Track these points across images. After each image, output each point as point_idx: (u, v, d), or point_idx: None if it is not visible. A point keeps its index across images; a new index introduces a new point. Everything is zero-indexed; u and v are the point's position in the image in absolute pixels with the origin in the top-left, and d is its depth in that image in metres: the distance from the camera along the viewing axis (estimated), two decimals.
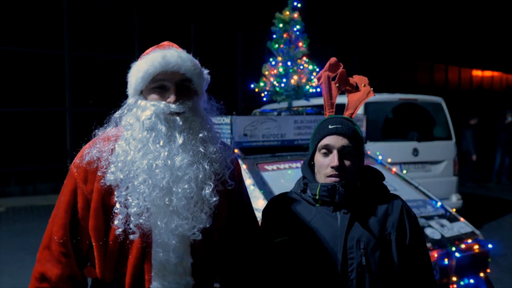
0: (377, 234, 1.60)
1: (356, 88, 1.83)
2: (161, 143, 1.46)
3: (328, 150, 1.63)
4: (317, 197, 1.63)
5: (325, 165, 1.63)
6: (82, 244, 1.51)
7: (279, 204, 1.75)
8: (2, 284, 5.05)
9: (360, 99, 1.80)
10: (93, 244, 1.49)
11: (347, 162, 1.62)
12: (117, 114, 1.57)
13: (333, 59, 1.81)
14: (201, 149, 1.49)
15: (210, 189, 1.48)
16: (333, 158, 1.60)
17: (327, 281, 1.57)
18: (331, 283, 1.56)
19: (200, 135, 1.50)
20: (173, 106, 1.47)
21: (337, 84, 1.81)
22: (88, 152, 1.52)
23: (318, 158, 1.66)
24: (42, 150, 10.68)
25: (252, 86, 4.64)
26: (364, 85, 1.81)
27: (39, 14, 10.39)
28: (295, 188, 1.78)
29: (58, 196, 1.57)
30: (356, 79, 1.84)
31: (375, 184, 1.71)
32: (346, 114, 1.79)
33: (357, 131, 1.68)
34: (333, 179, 1.61)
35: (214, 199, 1.48)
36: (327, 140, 1.63)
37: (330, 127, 1.65)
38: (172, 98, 1.47)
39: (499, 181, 11.84)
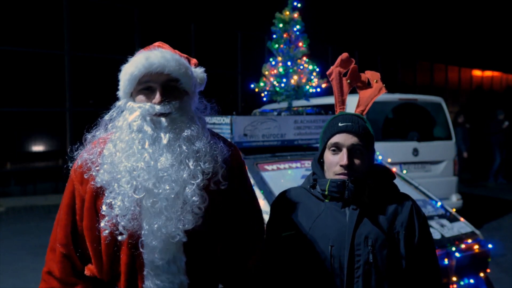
0: (385, 232, 1.59)
1: (368, 85, 1.80)
2: (146, 145, 1.45)
3: (337, 148, 1.62)
4: (326, 192, 1.62)
5: (334, 163, 1.62)
6: (84, 244, 1.54)
7: (288, 198, 1.74)
8: (2, 284, 5.05)
9: (371, 95, 1.77)
10: (87, 243, 1.52)
11: (356, 161, 1.61)
12: (107, 117, 1.58)
13: (344, 55, 1.78)
14: (184, 148, 1.48)
15: (192, 189, 1.46)
16: (342, 157, 1.59)
17: (333, 277, 1.56)
18: (337, 279, 1.56)
19: (184, 134, 1.49)
20: (158, 107, 1.46)
21: (348, 81, 1.78)
22: (81, 155, 1.55)
23: (328, 155, 1.65)
24: (42, 150, 10.68)
25: (252, 86, 4.65)
26: (376, 81, 1.78)
27: (39, 14, 10.39)
28: (305, 183, 1.76)
29: (62, 198, 1.60)
30: (368, 74, 1.82)
31: (385, 182, 1.70)
32: (357, 111, 1.76)
33: (368, 128, 1.66)
34: (342, 176, 1.60)
35: (195, 198, 1.45)
36: (336, 138, 1.62)
37: (340, 124, 1.63)
38: (157, 99, 1.47)
39: (496, 181, 11.88)
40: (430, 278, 1.66)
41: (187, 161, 1.47)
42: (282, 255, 1.67)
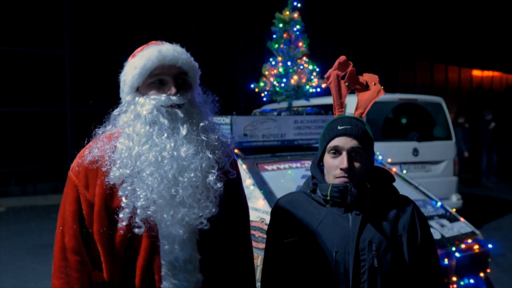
0: (388, 236, 1.58)
1: (366, 87, 1.80)
2: (165, 135, 1.47)
3: (337, 151, 1.61)
4: (328, 198, 1.61)
5: (334, 167, 1.61)
6: (94, 250, 1.51)
7: (288, 204, 1.72)
8: (2, 284, 5.05)
9: (370, 98, 1.77)
10: (99, 248, 1.49)
11: (356, 164, 1.60)
12: (116, 112, 1.57)
13: (342, 58, 1.78)
14: (203, 137, 1.51)
15: (214, 177, 1.49)
16: (343, 160, 1.59)
17: (338, 283, 1.56)
18: (342, 285, 1.55)
19: (201, 124, 1.53)
20: (174, 98, 1.48)
21: (346, 83, 1.78)
22: (90, 151, 1.52)
23: (327, 159, 1.64)
24: (42, 150, 10.68)
25: (252, 86, 4.64)
26: (375, 84, 1.78)
27: (39, 14, 10.39)
28: (304, 188, 1.75)
29: (61, 205, 1.56)
30: (366, 77, 1.81)
31: (385, 185, 1.70)
32: (356, 113, 1.76)
33: (367, 131, 1.65)
34: (342, 179, 1.60)
35: (219, 185, 1.50)
36: (336, 142, 1.61)
37: (339, 128, 1.62)
38: (172, 90, 1.49)
39: (487, 179, 11.97)
40: (432, 280, 1.66)
41: (205, 150, 1.50)
42: (285, 262, 1.66)
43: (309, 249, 1.60)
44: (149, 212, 1.43)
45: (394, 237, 1.59)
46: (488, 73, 26.43)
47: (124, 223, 1.44)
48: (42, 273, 5.25)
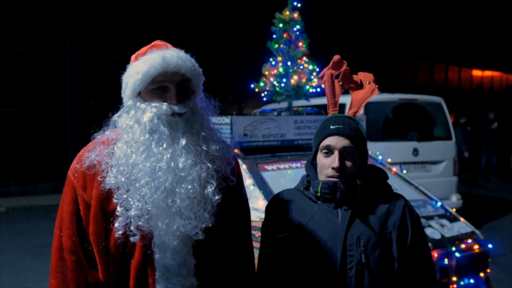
0: (377, 232, 1.59)
1: (360, 86, 1.80)
2: (164, 146, 1.45)
3: (329, 150, 1.63)
4: (318, 194, 1.63)
5: (326, 166, 1.63)
6: (91, 250, 1.51)
7: (281, 200, 1.75)
8: (2, 284, 5.05)
9: (364, 97, 1.78)
10: (94, 249, 1.49)
11: (348, 163, 1.61)
12: (115, 117, 1.55)
13: (336, 57, 1.78)
14: (204, 147, 1.49)
15: (213, 188, 1.48)
16: (334, 159, 1.60)
17: (326, 278, 1.57)
18: (330, 280, 1.56)
19: (203, 133, 1.51)
20: (175, 107, 1.46)
21: (340, 82, 1.78)
22: (88, 156, 1.50)
23: (320, 158, 1.66)
24: (42, 150, 10.68)
25: (252, 86, 4.64)
26: (369, 82, 1.78)
27: (39, 14, 10.40)
28: (299, 185, 1.78)
29: (60, 204, 1.57)
30: (361, 76, 1.82)
31: (378, 183, 1.70)
32: (350, 112, 1.77)
33: (360, 130, 1.66)
34: (334, 179, 1.61)
35: (217, 197, 1.48)
36: (328, 141, 1.63)
37: (331, 127, 1.63)
38: (174, 98, 1.47)
39: (486, 180, 11.99)
40: (424, 278, 1.66)
41: (205, 161, 1.48)
42: (277, 257, 1.67)
43: (299, 244, 1.62)
44: (140, 222, 1.43)
45: (383, 234, 1.60)
46: (488, 73, 26.44)
47: (120, 232, 1.44)
48: (42, 273, 5.25)
